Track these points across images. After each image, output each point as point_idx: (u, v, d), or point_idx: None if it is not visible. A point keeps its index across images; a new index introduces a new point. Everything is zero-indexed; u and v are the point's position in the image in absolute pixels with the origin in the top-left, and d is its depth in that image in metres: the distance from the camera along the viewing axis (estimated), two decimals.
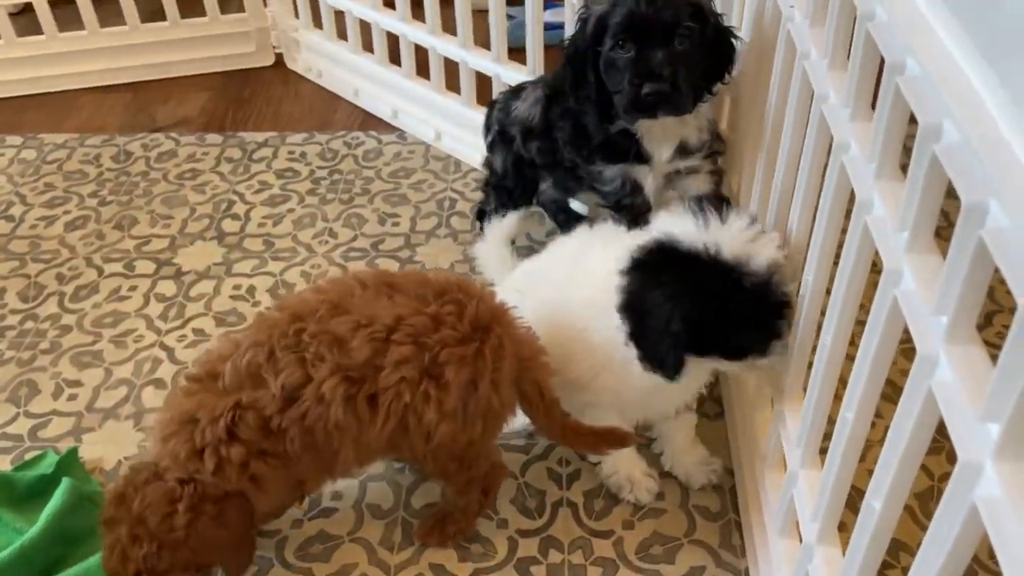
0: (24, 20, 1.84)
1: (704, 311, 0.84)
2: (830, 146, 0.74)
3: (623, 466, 1.05)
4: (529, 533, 1.03)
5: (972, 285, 0.49)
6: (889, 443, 0.58)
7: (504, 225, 1.20)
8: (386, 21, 1.65)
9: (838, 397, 0.74)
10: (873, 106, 0.67)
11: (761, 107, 1.01)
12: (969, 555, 0.49)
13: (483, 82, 1.53)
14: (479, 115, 1.44)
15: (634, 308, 0.88)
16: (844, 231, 0.72)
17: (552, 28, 1.61)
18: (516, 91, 1.31)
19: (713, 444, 1.11)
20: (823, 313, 0.78)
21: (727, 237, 0.84)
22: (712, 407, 1.17)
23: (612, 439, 0.97)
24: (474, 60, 1.53)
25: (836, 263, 0.74)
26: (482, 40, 1.51)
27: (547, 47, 1.44)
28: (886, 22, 0.62)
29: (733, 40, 1.08)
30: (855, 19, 0.69)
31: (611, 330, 0.90)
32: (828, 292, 0.76)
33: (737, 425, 1.10)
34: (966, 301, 0.50)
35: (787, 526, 0.89)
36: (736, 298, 0.83)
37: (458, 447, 0.91)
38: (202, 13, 1.87)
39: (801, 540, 0.82)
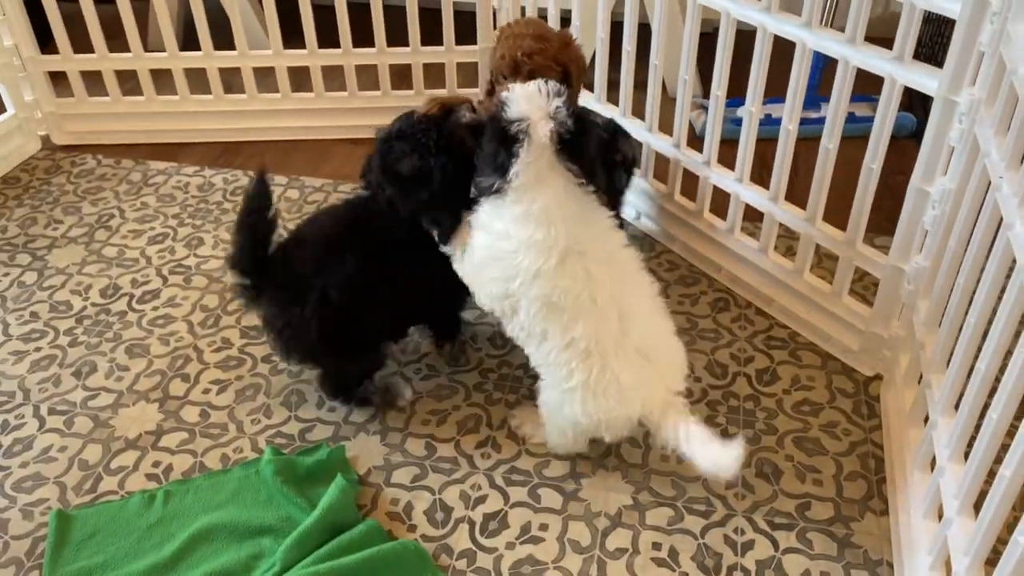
0: (298, 77, 2.19)
1: None
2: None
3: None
4: None
5: None
6: None
7: None
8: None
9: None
10: None
11: (958, 257, 1.16)
12: None
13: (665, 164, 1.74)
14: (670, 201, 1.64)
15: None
16: None
17: (770, 123, 1.75)
18: None
19: (875, 537, 1.25)
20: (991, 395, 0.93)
21: None
22: (878, 504, 1.30)
23: None
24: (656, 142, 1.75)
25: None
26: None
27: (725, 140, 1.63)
28: None
29: None
30: None
31: None
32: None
33: (900, 526, 1.23)
34: None
35: None
36: None
37: None
38: (442, 84, 2.17)
39: None
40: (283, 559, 1.20)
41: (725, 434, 1.42)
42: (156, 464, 1.38)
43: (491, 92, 1.41)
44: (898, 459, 1.32)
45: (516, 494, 1.33)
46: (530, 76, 1.34)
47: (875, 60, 1.29)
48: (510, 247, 1.18)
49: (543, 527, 1.28)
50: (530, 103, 1.14)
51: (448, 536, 1.27)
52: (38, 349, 1.60)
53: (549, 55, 1.38)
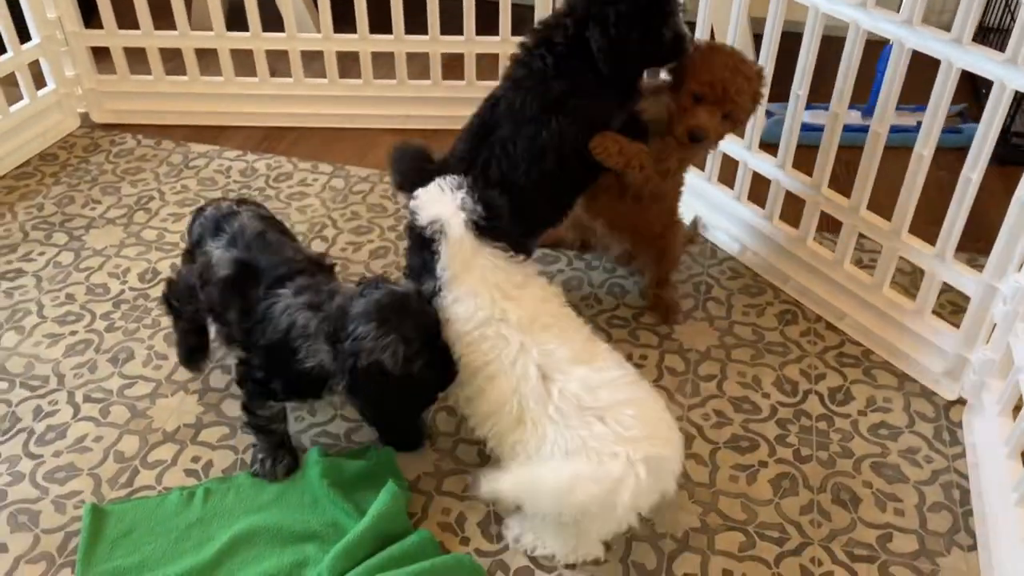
0: (346, 62, 2.12)
1: None
2: None
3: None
4: None
5: None
6: None
7: None
8: None
9: None
10: None
11: None
12: None
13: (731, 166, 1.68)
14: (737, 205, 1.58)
15: None
16: None
17: (809, 129, 1.67)
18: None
19: (963, 574, 1.16)
20: None
21: None
22: (965, 539, 1.21)
23: None
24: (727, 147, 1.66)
25: None
26: None
27: (799, 146, 1.55)
28: None
29: None
30: None
31: None
32: None
33: (995, 564, 1.14)
34: None
35: None
36: None
37: None
38: (495, 76, 2.09)
39: None
40: (330, 568, 1.12)
41: (797, 455, 1.33)
42: (195, 459, 1.31)
43: (679, 106, 1.39)
44: (988, 492, 1.23)
45: None
46: (725, 115, 1.37)
47: (984, 63, 1.20)
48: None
49: (606, 548, 1.20)
50: (438, 205, 1.17)
51: (503, 552, 1.19)
52: (73, 333, 1.53)
53: (750, 95, 1.38)
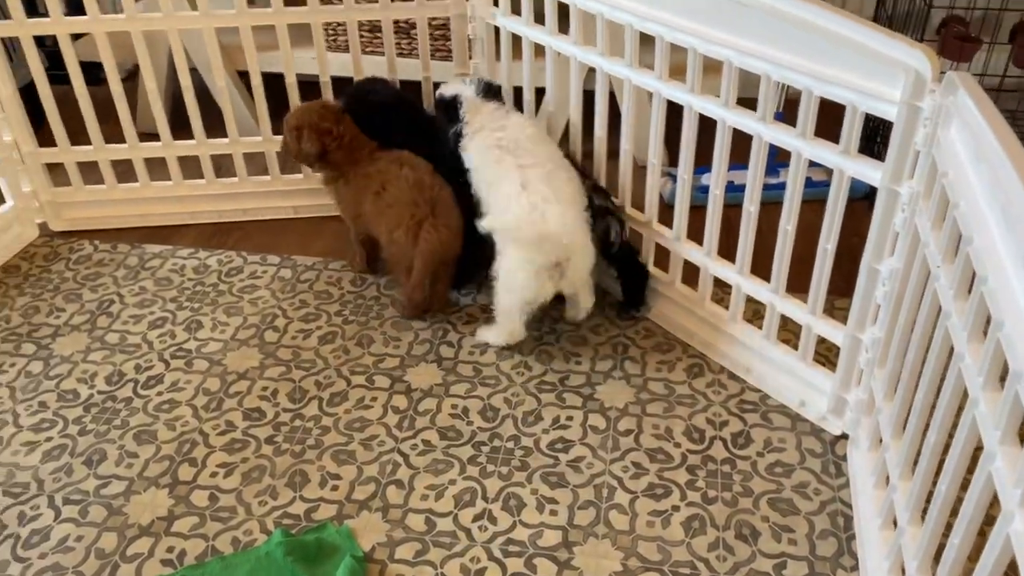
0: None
1: None
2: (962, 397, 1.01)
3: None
4: None
5: None
6: None
7: None
8: None
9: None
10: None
11: (907, 332, 1.28)
12: None
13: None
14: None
15: None
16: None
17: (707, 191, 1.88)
18: None
19: None
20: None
21: None
22: (848, 560, 1.41)
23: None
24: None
25: None
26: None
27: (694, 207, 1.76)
28: (1011, 335, 0.89)
29: None
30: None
31: None
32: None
33: None
34: None
35: None
36: None
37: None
38: None
39: None
40: None
41: (705, 497, 1.52)
42: (170, 550, 1.46)
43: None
44: (865, 518, 1.43)
45: (513, 565, 1.41)
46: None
47: (825, 153, 1.42)
48: None
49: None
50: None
51: None
52: (49, 439, 1.67)
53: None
